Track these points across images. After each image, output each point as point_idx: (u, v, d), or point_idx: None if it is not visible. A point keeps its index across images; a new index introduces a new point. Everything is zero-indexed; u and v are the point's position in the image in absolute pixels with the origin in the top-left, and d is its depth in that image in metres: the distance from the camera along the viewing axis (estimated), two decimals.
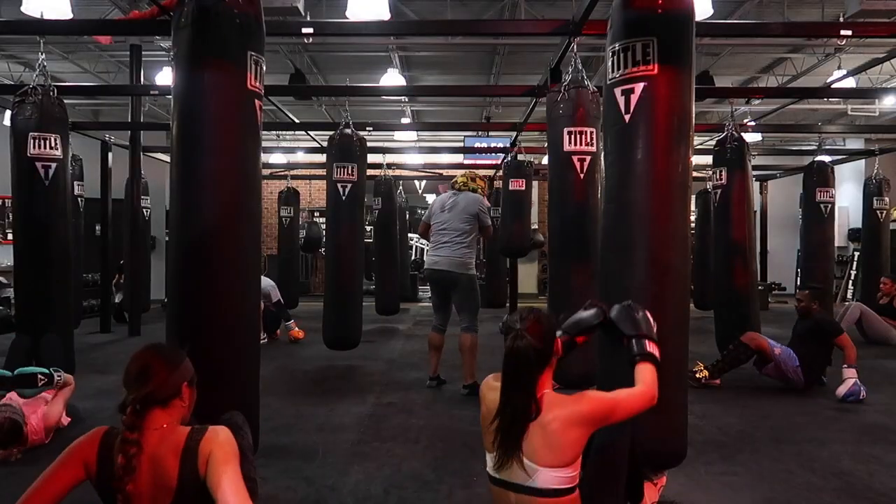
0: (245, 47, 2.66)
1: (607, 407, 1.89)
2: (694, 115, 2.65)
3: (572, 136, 4.15)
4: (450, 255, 4.61)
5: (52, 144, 4.58)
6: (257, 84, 2.72)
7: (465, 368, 4.64)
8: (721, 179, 5.79)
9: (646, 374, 1.99)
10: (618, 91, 2.61)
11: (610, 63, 2.67)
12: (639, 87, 2.56)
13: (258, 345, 3.04)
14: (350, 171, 5.61)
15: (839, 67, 8.67)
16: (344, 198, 5.56)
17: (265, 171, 13.15)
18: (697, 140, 9.84)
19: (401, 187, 11.68)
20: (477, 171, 5.02)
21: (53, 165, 4.58)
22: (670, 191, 2.55)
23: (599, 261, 2.88)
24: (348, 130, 5.76)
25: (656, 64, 2.52)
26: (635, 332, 2.05)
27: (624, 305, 2.10)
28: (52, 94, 4.71)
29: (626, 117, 2.59)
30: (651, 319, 2.07)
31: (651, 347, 2.03)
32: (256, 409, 2.91)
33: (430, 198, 20.95)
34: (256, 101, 2.74)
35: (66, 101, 4.72)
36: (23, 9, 5.21)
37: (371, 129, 7.93)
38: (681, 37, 2.57)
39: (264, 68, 2.78)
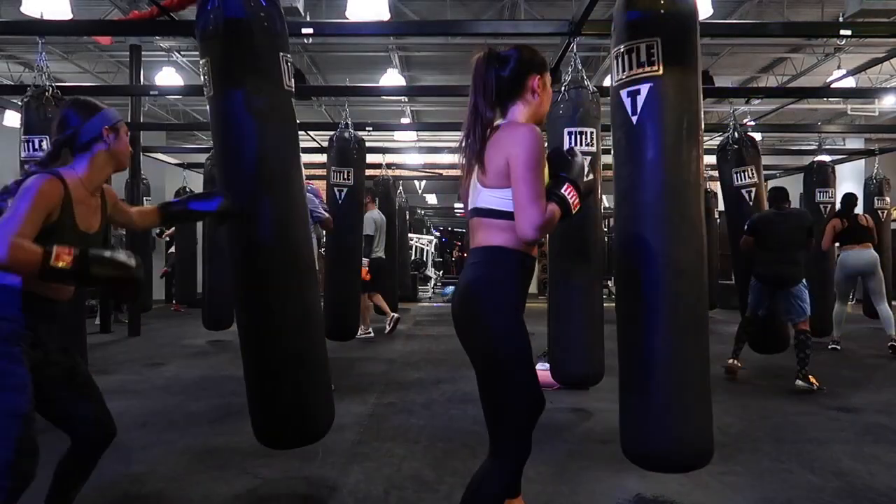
0: (277, 50, 2.66)
1: (516, 176, 1.81)
2: (702, 115, 2.63)
3: (572, 137, 4.15)
4: None
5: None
6: (290, 83, 2.73)
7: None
8: (753, 177, 5.77)
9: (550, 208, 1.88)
10: (624, 93, 2.60)
11: (615, 65, 2.67)
12: (645, 88, 2.55)
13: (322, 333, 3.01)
14: (346, 176, 5.64)
15: (839, 67, 8.68)
16: (340, 201, 5.63)
17: None
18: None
19: (401, 187, 11.69)
20: None
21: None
22: (683, 190, 2.54)
23: (615, 261, 2.86)
24: (347, 133, 5.76)
25: (661, 64, 2.51)
26: (563, 172, 1.96)
27: (564, 149, 2.06)
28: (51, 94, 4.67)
29: (634, 119, 2.57)
30: (585, 168, 2.00)
31: (567, 190, 1.91)
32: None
33: (431, 198, 20.98)
34: (292, 99, 2.77)
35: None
36: (23, 9, 5.22)
37: (371, 129, 7.93)
38: (685, 36, 2.56)
39: (290, 62, 2.79)
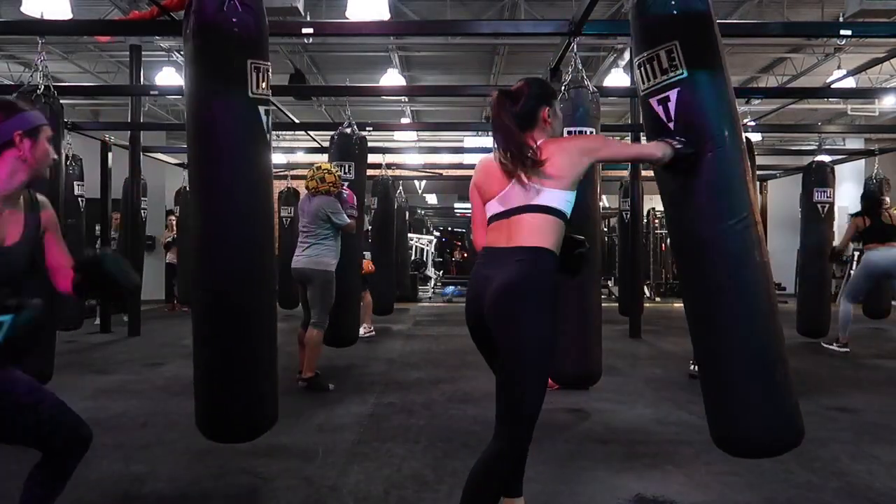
0: (245, 56, 2.66)
1: (595, 141, 2.31)
2: (737, 109, 2.60)
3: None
4: (309, 254, 4.85)
5: None
6: (259, 91, 2.72)
7: (307, 362, 4.78)
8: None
9: (650, 145, 2.33)
10: (654, 101, 2.57)
11: (639, 75, 2.65)
12: (673, 93, 2.52)
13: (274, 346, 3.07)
14: (347, 170, 5.62)
15: (839, 67, 8.68)
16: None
17: None
18: None
19: (401, 187, 11.69)
20: (325, 166, 5.07)
21: None
22: (736, 186, 2.50)
23: (677, 265, 2.86)
24: (348, 130, 5.76)
25: (684, 66, 2.48)
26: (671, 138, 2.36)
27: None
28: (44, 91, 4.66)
29: (671, 125, 2.54)
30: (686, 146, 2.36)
31: (675, 143, 2.33)
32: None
33: (431, 198, 20.97)
34: (261, 107, 2.75)
35: (66, 101, 4.70)
36: (23, 9, 5.22)
37: (371, 129, 7.93)
38: (703, 34, 2.53)
39: (269, 71, 2.78)
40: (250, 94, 2.67)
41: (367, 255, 7.03)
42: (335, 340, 5.63)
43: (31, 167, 1.88)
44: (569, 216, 2.14)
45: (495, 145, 2.21)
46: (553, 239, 2.08)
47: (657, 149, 2.31)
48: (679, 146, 2.32)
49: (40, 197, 1.99)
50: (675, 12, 2.52)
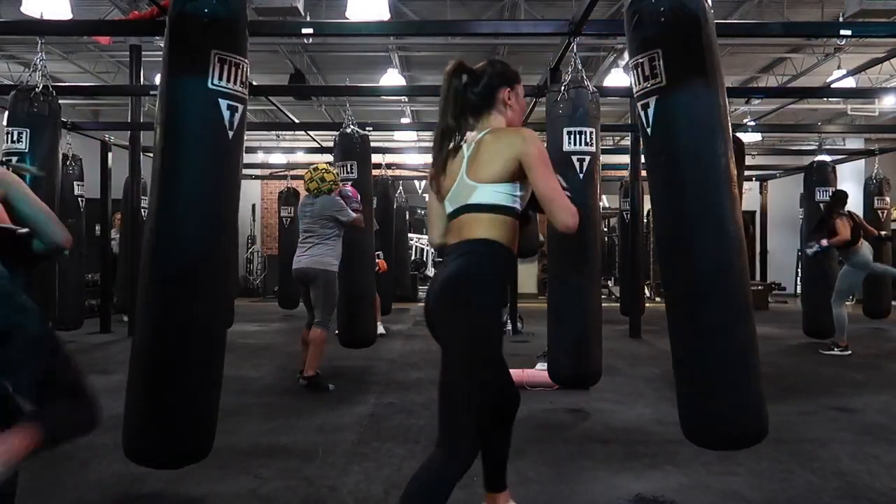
0: (210, 46, 2.59)
1: (541, 172, 1.92)
2: (725, 120, 2.59)
3: (572, 136, 4.15)
4: (312, 254, 4.83)
5: None
6: (223, 83, 2.63)
7: (309, 361, 4.78)
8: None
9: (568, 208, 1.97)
10: (639, 106, 2.64)
11: (632, 79, 2.70)
12: (652, 100, 2.57)
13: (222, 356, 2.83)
14: (349, 169, 5.61)
15: (839, 67, 8.67)
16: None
17: (265, 172, 13.22)
18: None
19: (401, 187, 11.69)
20: (322, 166, 5.05)
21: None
22: (709, 194, 2.54)
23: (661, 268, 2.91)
24: (349, 130, 5.76)
25: (665, 76, 2.50)
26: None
27: None
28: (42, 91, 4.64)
29: (648, 130, 2.63)
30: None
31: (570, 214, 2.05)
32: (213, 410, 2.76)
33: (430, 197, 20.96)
34: (222, 100, 2.64)
35: (66, 101, 4.71)
36: (23, 9, 5.22)
37: (371, 129, 7.93)
38: (689, 43, 2.52)
39: (243, 67, 2.69)
40: (209, 86, 2.59)
41: (381, 253, 7.01)
42: (353, 342, 5.60)
43: None
44: (519, 210, 2.01)
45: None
46: (501, 233, 1.96)
47: (568, 215, 1.96)
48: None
49: None
50: (661, 20, 2.52)
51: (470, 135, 2.12)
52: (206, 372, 2.64)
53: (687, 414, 2.64)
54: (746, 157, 9.21)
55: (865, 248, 6.37)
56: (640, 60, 2.58)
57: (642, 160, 9.58)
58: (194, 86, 2.59)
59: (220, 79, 2.61)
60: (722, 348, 2.53)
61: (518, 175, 1.95)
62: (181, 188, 2.61)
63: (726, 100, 2.62)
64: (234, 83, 2.66)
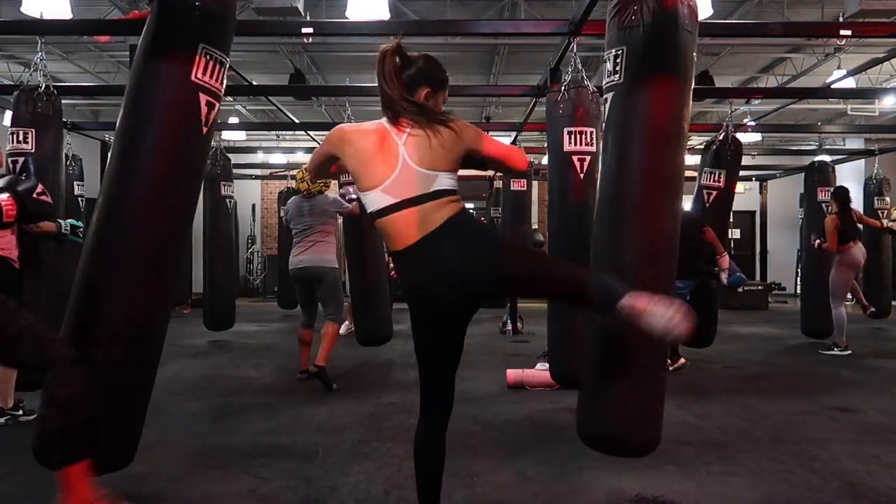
0: (198, 39, 2.56)
1: (487, 141, 2.17)
2: (679, 122, 2.60)
3: (572, 136, 4.15)
4: (314, 253, 4.86)
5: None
6: (206, 78, 2.60)
7: (322, 351, 4.84)
8: (719, 182, 5.78)
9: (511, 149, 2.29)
10: (602, 99, 2.73)
11: (604, 70, 2.76)
12: (609, 96, 2.63)
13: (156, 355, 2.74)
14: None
15: (839, 67, 8.67)
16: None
17: (265, 172, 13.22)
18: (696, 140, 9.87)
19: None
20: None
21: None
22: (637, 193, 2.57)
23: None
24: None
25: (623, 74, 2.55)
26: None
27: None
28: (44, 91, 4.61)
29: (603, 125, 2.70)
30: None
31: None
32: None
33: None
34: (202, 94, 2.61)
35: (66, 101, 4.70)
36: (23, 9, 5.21)
37: None
38: (657, 46, 2.53)
39: (225, 66, 2.68)
40: (192, 78, 2.56)
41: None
42: (370, 339, 5.61)
43: None
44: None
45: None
46: (461, 205, 2.05)
47: (522, 160, 2.30)
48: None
49: None
50: (633, 18, 2.53)
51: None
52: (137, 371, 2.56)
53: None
54: (747, 157, 9.20)
55: (855, 250, 6.36)
56: (608, 55, 2.65)
57: None
58: (176, 75, 2.55)
59: (204, 73, 2.58)
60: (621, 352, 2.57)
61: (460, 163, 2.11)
62: (141, 172, 2.54)
63: (689, 109, 2.62)
64: (216, 80, 2.64)
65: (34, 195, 1.98)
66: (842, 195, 6.48)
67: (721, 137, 5.87)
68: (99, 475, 2.40)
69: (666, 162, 2.57)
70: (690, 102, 2.64)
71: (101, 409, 2.37)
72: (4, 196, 1.82)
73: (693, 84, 2.65)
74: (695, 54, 2.64)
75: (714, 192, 5.79)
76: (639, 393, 2.57)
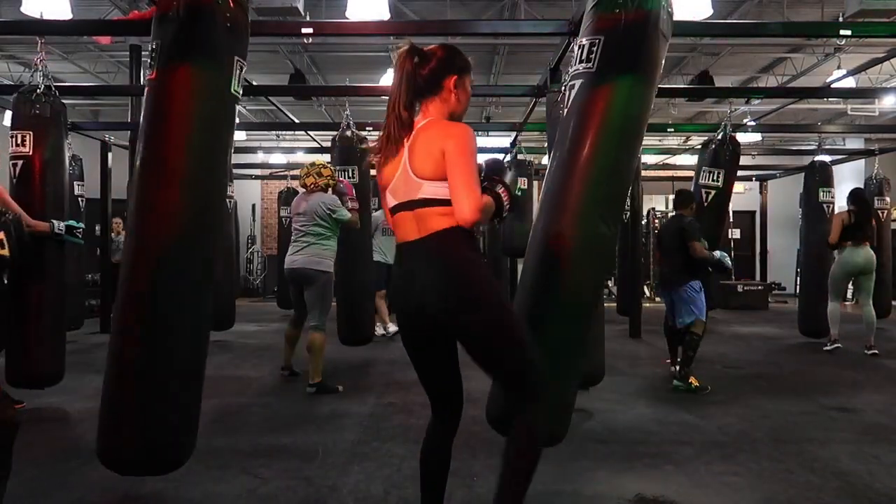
0: (232, 51, 2.63)
1: (452, 165, 1.92)
2: (640, 120, 2.63)
3: None
4: (307, 254, 4.69)
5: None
6: (239, 89, 2.69)
7: (312, 368, 4.67)
8: (717, 181, 5.77)
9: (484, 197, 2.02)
10: (566, 87, 2.73)
11: (574, 57, 2.77)
12: (577, 83, 2.62)
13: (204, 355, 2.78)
14: (350, 174, 5.62)
15: (839, 67, 8.67)
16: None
17: (265, 172, 13.22)
18: (696, 140, 9.87)
19: None
20: (319, 161, 4.99)
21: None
22: (573, 187, 2.57)
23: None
24: (349, 133, 5.76)
25: (597, 63, 2.55)
26: (497, 176, 2.17)
27: (501, 160, 2.24)
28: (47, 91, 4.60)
29: (564, 111, 2.71)
30: (517, 181, 2.18)
31: (501, 190, 2.08)
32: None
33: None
34: (236, 105, 2.73)
35: (66, 101, 4.69)
36: (23, 9, 5.22)
37: (371, 129, 7.93)
38: (635, 40, 2.54)
39: (244, 70, 2.75)
40: (231, 90, 2.63)
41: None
42: (350, 340, 5.62)
43: None
44: None
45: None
46: (454, 220, 1.95)
47: (468, 207, 1.92)
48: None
49: None
50: (615, 10, 2.54)
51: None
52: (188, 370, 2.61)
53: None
54: (747, 157, 9.20)
55: (847, 252, 6.35)
56: (583, 43, 2.64)
57: (642, 160, 9.60)
58: (218, 86, 2.61)
59: (238, 85, 2.68)
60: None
61: None
62: (185, 178, 2.55)
63: (649, 108, 2.66)
64: (239, 87, 2.73)
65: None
66: (858, 196, 6.47)
67: (720, 137, 5.88)
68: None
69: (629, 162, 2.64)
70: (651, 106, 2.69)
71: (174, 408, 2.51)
72: None
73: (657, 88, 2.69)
74: (663, 60, 2.69)
75: (712, 192, 5.79)
76: None
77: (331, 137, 5.96)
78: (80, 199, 7.52)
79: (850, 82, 8.13)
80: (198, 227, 2.57)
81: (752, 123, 8.87)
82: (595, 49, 2.55)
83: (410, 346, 2.16)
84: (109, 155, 8.12)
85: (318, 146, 9.92)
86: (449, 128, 1.99)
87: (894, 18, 5.86)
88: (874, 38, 6.50)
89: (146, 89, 2.65)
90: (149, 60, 2.65)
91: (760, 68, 10.37)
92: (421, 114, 2.07)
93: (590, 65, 2.56)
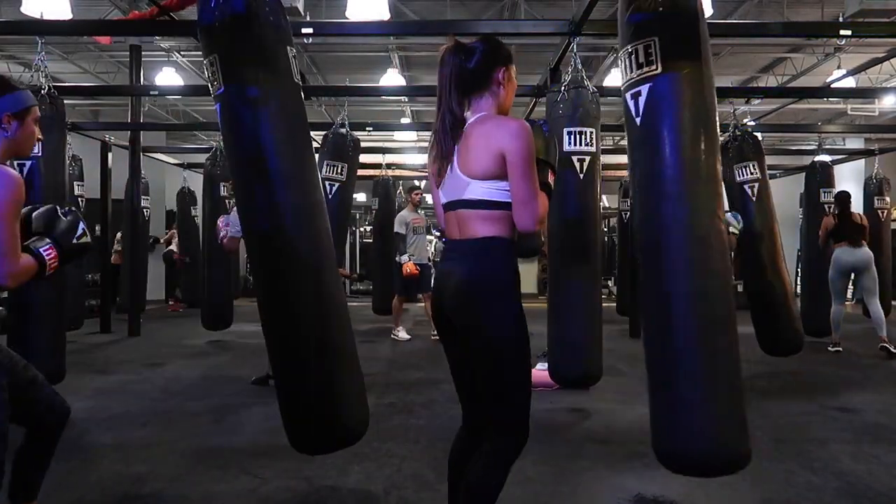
0: (285, 44, 2.65)
1: (518, 171, 1.83)
2: (715, 111, 2.59)
3: (572, 136, 4.15)
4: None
5: None
6: (298, 77, 2.74)
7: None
8: (755, 173, 5.69)
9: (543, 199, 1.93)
10: (628, 96, 2.61)
11: (621, 70, 2.69)
12: (645, 88, 2.55)
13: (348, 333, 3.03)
14: (339, 171, 5.60)
15: (839, 67, 8.68)
16: (330, 196, 5.44)
17: None
18: None
19: (400, 188, 11.67)
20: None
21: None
22: (693, 189, 2.51)
23: (638, 264, 2.76)
24: (343, 130, 5.75)
25: (660, 64, 2.50)
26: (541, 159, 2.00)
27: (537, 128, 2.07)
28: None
29: (637, 120, 2.59)
30: (553, 168, 2.05)
31: (549, 176, 2.01)
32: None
33: (430, 198, 20.96)
34: (301, 93, 2.76)
35: (66, 101, 4.69)
36: (23, 9, 5.22)
37: (371, 129, 7.94)
38: (687, 34, 2.54)
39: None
40: (294, 81, 2.68)
41: (405, 257, 6.98)
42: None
43: (15, 147, 1.91)
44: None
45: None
46: (501, 227, 1.89)
47: (531, 218, 1.87)
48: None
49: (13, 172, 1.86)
50: (659, 9, 2.53)
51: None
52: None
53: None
54: (748, 152, 9.18)
55: (838, 252, 6.45)
56: (635, 48, 2.58)
57: None
58: (283, 84, 2.65)
59: (297, 72, 2.74)
60: (692, 360, 2.44)
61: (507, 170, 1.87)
62: (293, 186, 2.63)
63: (714, 97, 2.60)
64: (298, 74, 2.81)
65: (74, 240, 1.90)
66: (840, 199, 6.56)
67: (737, 133, 5.79)
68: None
69: (716, 152, 2.57)
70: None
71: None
72: (46, 245, 1.75)
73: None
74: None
75: (755, 185, 5.72)
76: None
77: (323, 135, 5.92)
78: (79, 199, 7.52)
79: (850, 82, 8.14)
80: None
81: (752, 123, 8.87)
82: (653, 51, 2.51)
83: (443, 342, 2.11)
84: (109, 155, 8.12)
85: (318, 146, 9.91)
86: (509, 125, 1.87)
87: (894, 18, 5.86)
88: (874, 38, 6.52)
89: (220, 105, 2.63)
90: (209, 75, 2.62)
91: (760, 68, 10.38)
92: (471, 110, 2.00)
93: (653, 67, 2.51)
